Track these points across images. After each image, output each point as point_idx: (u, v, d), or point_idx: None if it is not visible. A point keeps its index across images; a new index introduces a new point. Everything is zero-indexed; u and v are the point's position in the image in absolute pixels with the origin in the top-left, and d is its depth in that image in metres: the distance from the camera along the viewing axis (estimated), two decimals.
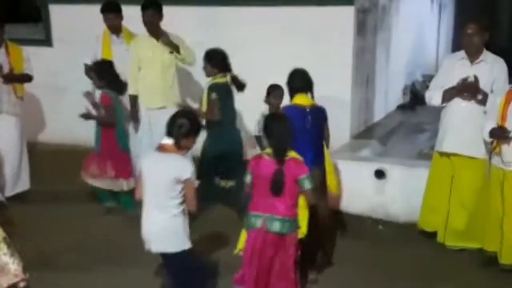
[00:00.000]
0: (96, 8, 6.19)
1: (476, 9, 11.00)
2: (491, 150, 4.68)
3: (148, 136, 5.69)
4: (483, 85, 4.80)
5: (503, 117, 4.51)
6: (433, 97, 5.07)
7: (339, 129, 6.71)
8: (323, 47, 6.65)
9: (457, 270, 4.73)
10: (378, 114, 8.05)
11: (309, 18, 6.74)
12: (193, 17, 7.11)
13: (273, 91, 5.15)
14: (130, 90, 5.85)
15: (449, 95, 4.93)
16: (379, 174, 5.73)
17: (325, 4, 6.66)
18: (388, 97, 8.44)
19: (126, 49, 6.03)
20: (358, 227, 5.61)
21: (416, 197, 5.34)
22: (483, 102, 4.80)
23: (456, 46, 9.27)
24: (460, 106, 4.90)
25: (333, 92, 6.70)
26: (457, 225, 5.04)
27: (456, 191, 5.04)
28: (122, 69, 5.77)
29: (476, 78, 4.76)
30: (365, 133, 7.33)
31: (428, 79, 8.22)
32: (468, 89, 4.81)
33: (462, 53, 4.98)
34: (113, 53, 6.13)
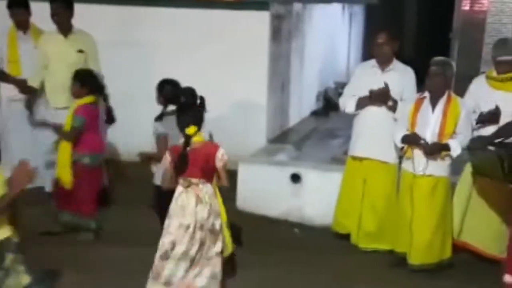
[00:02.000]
0: (2, 4, 5.93)
1: (384, 19, 11.41)
2: (402, 155, 4.86)
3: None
4: (393, 92, 4.97)
5: (413, 124, 4.70)
6: (347, 104, 5.22)
7: (256, 133, 6.79)
8: (239, 52, 6.70)
9: (370, 271, 4.88)
10: (293, 119, 8.18)
11: (226, 21, 6.77)
12: (113, 15, 6.95)
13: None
14: (33, 82, 5.69)
15: (362, 103, 5.08)
16: (295, 178, 5.82)
17: (241, 8, 6.71)
18: (303, 103, 8.59)
19: (33, 46, 5.81)
20: (274, 230, 5.67)
21: (330, 200, 5.46)
22: (393, 109, 4.98)
23: (366, 54, 9.56)
24: (372, 113, 5.07)
25: (249, 96, 6.77)
26: (369, 228, 5.20)
27: (368, 195, 5.20)
28: (29, 67, 5.60)
29: (386, 85, 4.93)
30: (281, 137, 7.43)
31: (340, 86, 8.44)
32: (379, 96, 4.97)
33: (373, 62, 5.16)
34: (20, 50, 5.92)
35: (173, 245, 3.87)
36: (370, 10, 12.07)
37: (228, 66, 6.71)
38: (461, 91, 4.95)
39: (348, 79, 5.71)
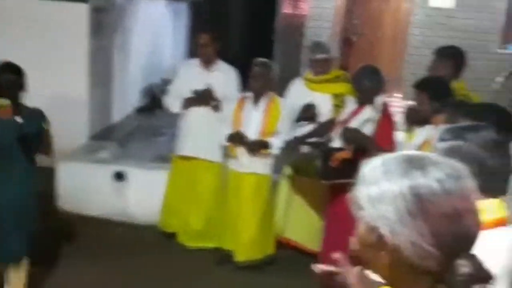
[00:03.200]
0: None
1: (210, 16, 11.52)
2: (228, 154, 4.95)
3: None
4: (217, 92, 5.05)
5: (237, 123, 4.81)
6: (172, 104, 5.22)
7: (76, 130, 6.51)
8: (57, 46, 6.39)
9: (197, 269, 4.92)
10: (117, 115, 7.97)
11: (42, 13, 6.39)
12: None
13: None
14: None
15: (187, 103, 5.10)
16: (118, 176, 5.68)
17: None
18: (127, 99, 8.40)
19: None
20: (97, 230, 5.49)
21: (156, 199, 5.42)
22: (217, 108, 5.06)
23: (191, 51, 9.58)
24: (197, 113, 5.11)
25: (69, 92, 6.47)
26: (196, 226, 5.24)
27: (195, 194, 5.24)
28: None
29: (209, 86, 4.98)
30: (103, 134, 7.19)
31: (165, 83, 8.36)
32: (203, 97, 5.01)
33: (197, 61, 5.19)
34: None
35: None
36: (195, 7, 12.13)
37: (45, 61, 6.34)
38: (283, 92, 5.15)
39: (173, 77, 5.69)
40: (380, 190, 1.21)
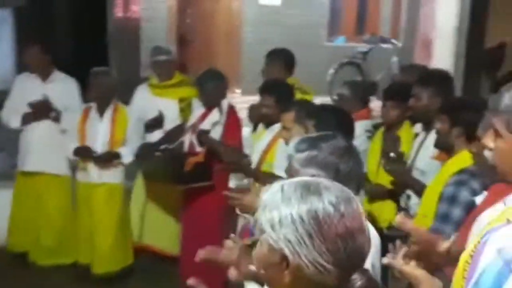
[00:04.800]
0: None
1: (36, 25, 11.00)
2: (76, 166, 4.86)
3: None
4: (56, 103, 4.95)
5: (82, 135, 4.76)
6: (10, 119, 5.05)
7: None
8: None
9: (55, 287, 4.77)
10: None
11: None
12: None
13: None
14: None
15: (27, 118, 4.95)
16: None
17: None
18: None
19: None
20: None
21: (1, 218, 5.15)
22: (57, 120, 4.96)
23: (20, 63, 9.11)
24: (38, 126, 4.98)
25: None
26: (48, 243, 5.08)
27: (43, 209, 5.08)
28: None
29: (45, 97, 4.87)
30: None
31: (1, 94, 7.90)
32: (40, 109, 4.88)
33: (33, 74, 5.05)
34: None
35: None
36: (20, 14, 11.53)
37: None
38: (124, 97, 5.11)
39: (5, 87, 5.44)
40: (280, 214, 1.34)
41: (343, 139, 2.07)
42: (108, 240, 4.79)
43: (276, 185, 1.40)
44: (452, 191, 2.78)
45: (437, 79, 3.57)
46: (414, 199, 3.33)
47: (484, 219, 2.03)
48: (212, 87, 4.44)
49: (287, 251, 1.33)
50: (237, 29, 10.58)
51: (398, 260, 1.83)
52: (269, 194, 1.39)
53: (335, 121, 2.83)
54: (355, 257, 1.34)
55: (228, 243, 2.22)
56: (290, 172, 2.04)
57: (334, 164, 1.97)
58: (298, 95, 4.14)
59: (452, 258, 1.81)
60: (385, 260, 1.87)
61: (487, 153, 1.74)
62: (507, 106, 1.58)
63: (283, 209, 1.34)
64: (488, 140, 1.70)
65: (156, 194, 5.00)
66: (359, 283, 1.33)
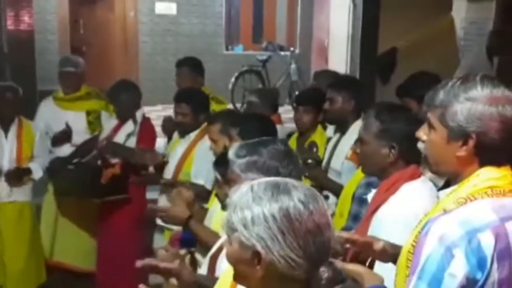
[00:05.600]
0: None
1: None
2: None
3: None
4: None
5: None
6: None
7: None
8: None
9: None
10: None
11: None
12: None
13: None
14: None
15: None
16: None
17: None
18: None
19: None
20: None
21: None
22: None
23: None
24: None
25: None
26: None
27: None
28: None
29: None
30: None
31: None
32: None
33: None
34: None
35: None
36: None
37: None
38: (24, 112, 4.87)
39: None
40: (253, 213, 1.41)
41: (282, 144, 2.17)
42: (20, 260, 4.63)
43: (244, 186, 1.47)
44: (361, 193, 2.93)
45: (350, 84, 3.79)
46: (332, 199, 3.50)
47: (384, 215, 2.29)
48: (125, 99, 4.42)
49: (259, 248, 1.40)
50: (133, 38, 10.51)
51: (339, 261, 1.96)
52: (239, 194, 1.46)
53: (259, 127, 2.92)
54: (323, 251, 1.43)
55: (161, 252, 2.26)
56: (231, 177, 2.11)
57: (275, 168, 2.05)
58: (214, 105, 4.21)
59: (388, 254, 1.97)
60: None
61: (420, 145, 1.86)
62: (442, 101, 1.72)
63: (255, 208, 1.41)
64: (421, 133, 1.83)
65: (68, 209, 4.89)
66: (326, 275, 1.43)
